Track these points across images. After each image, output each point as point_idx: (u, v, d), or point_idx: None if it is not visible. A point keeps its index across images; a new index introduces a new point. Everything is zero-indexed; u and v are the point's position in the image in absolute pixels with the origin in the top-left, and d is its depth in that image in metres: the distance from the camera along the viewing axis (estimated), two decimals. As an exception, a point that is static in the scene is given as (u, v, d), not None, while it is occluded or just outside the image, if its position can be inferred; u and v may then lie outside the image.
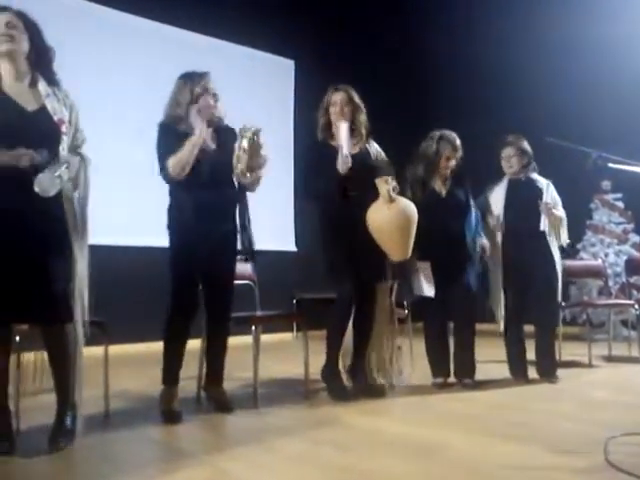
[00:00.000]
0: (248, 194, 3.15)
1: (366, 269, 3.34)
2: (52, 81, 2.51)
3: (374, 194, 3.28)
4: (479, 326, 3.70)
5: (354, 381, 3.45)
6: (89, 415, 2.76)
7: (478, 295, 3.72)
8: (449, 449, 2.37)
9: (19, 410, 2.62)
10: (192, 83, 2.99)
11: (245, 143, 2.88)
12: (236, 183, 3.08)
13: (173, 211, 3.02)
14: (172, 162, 2.89)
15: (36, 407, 2.85)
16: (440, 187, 3.72)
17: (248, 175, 2.93)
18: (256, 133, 2.90)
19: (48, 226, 2.39)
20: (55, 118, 2.43)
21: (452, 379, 3.67)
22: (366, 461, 2.24)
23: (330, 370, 3.38)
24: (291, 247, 7.10)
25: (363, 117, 3.48)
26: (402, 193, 3.40)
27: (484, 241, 3.71)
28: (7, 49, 2.36)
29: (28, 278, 2.31)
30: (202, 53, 5.94)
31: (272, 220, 6.55)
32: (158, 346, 3.02)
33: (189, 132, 2.92)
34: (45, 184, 2.27)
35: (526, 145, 3.86)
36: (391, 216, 3.23)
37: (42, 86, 2.46)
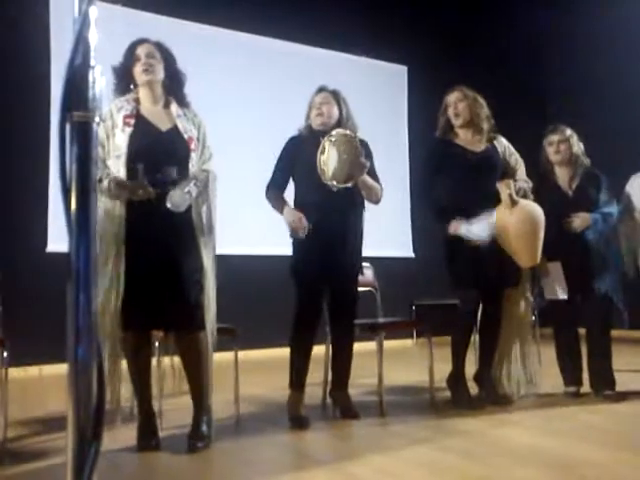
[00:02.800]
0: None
1: (493, 274, 3.23)
2: (183, 103, 2.72)
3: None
4: (613, 332, 3.46)
5: (481, 389, 3.35)
6: (221, 419, 2.91)
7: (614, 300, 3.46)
8: (590, 466, 2.22)
9: (161, 411, 2.80)
10: (313, 97, 3.15)
11: (329, 147, 2.87)
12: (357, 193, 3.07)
13: None
14: (272, 201, 3.09)
15: (174, 408, 3.02)
16: (566, 185, 3.54)
17: (344, 183, 2.89)
18: (346, 138, 2.89)
19: (181, 239, 2.55)
20: (185, 136, 2.61)
21: (586, 389, 3.45)
22: (498, 473, 2.16)
23: (456, 378, 3.30)
24: (408, 253, 7.04)
25: (483, 112, 3.39)
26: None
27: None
28: (147, 79, 2.59)
29: (164, 288, 2.47)
30: (314, 65, 6.07)
31: (389, 227, 6.54)
32: (285, 351, 3.11)
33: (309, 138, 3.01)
34: (177, 200, 2.42)
35: None
36: (515, 221, 3.08)
37: (174, 107, 2.66)
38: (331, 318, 3.15)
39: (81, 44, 0.67)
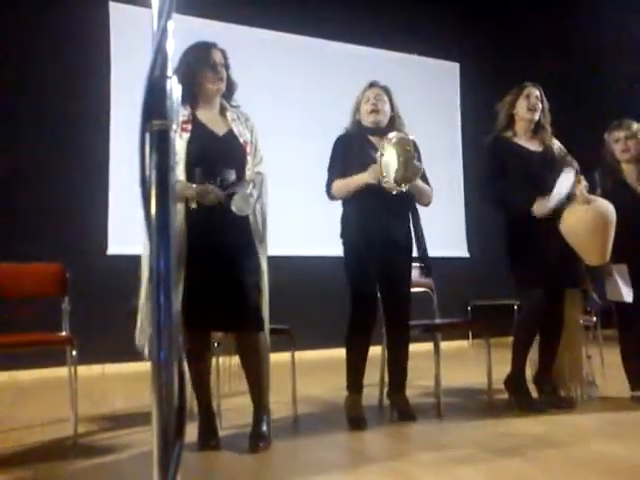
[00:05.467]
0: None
1: (557, 274, 3.16)
2: (235, 107, 2.75)
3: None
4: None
5: (541, 392, 3.27)
6: (279, 419, 2.94)
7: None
8: (660, 471, 2.15)
9: (220, 410, 2.85)
10: (360, 94, 3.13)
11: (387, 151, 2.84)
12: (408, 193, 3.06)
13: (345, 220, 3.09)
14: (338, 186, 3.00)
15: (233, 408, 3.08)
16: (635, 182, 3.42)
17: (403, 186, 2.87)
18: (404, 142, 2.86)
19: (239, 241, 2.59)
20: (241, 140, 2.65)
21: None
22: (559, 478, 2.11)
23: (516, 380, 3.23)
24: (463, 253, 6.95)
25: (549, 114, 3.37)
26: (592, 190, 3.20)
27: None
28: (218, 88, 2.64)
29: (224, 289, 2.51)
30: (364, 64, 6.06)
31: (443, 227, 6.47)
32: (340, 352, 3.12)
33: (359, 135, 2.98)
34: (241, 204, 2.46)
35: None
36: (588, 218, 3.02)
37: (229, 112, 2.70)
38: (386, 320, 3.13)
39: (160, 56, 0.70)
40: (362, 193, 2.97)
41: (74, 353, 2.80)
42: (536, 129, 3.34)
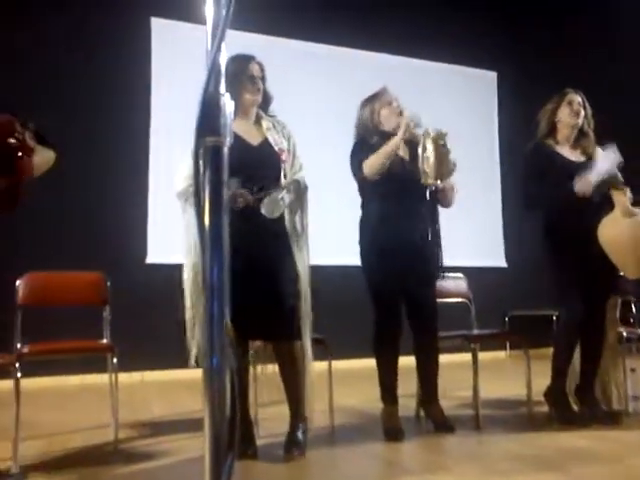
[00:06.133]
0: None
1: (597, 285, 3.10)
2: (271, 117, 2.79)
3: (606, 204, 3.06)
4: None
5: (583, 405, 3.19)
6: (316, 428, 2.93)
7: None
8: None
9: (258, 419, 2.87)
10: (371, 103, 3.09)
11: (428, 144, 2.83)
12: (428, 195, 3.02)
13: (364, 225, 3.04)
14: (369, 163, 2.91)
15: (270, 417, 3.09)
16: None
17: (438, 182, 2.86)
18: (440, 136, 2.83)
19: (276, 250, 2.61)
20: (276, 148, 2.68)
21: None
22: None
23: (557, 392, 3.16)
24: (501, 263, 6.86)
25: (592, 119, 3.31)
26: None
27: None
28: (255, 99, 2.68)
29: (262, 298, 2.53)
30: (401, 74, 6.06)
31: (481, 236, 6.42)
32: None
33: (382, 143, 2.95)
34: (270, 207, 2.50)
35: None
36: (629, 231, 2.97)
37: (264, 121, 2.74)
38: (412, 328, 3.07)
39: (214, 73, 0.73)
40: (382, 195, 2.93)
41: (115, 361, 2.86)
42: (578, 137, 3.29)
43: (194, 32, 5.48)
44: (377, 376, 3.02)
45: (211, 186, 0.75)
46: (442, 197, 3.05)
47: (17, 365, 2.60)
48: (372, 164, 2.91)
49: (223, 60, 0.75)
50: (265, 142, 2.68)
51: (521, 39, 6.87)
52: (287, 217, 2.66)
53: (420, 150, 2.83)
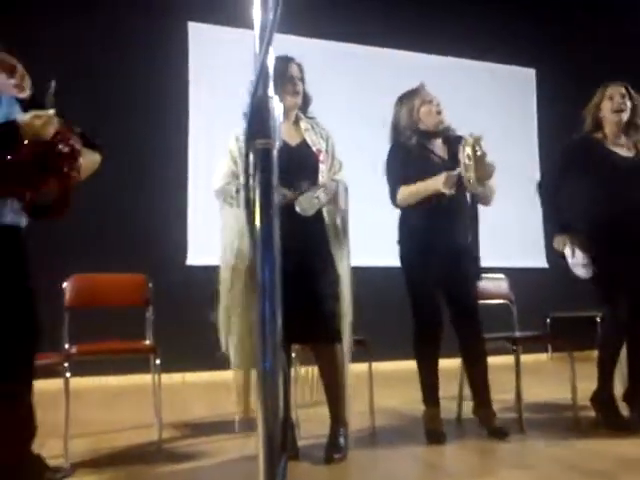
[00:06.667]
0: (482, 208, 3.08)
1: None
2: (310, 118, 2.80)
3: None
4: None
5: (632, 410, 3.10)
6: (357, 430, 2.93)
7: None
8: None
9: (298, 421, 2.88)
10: (410, 100, 3.02)
11: (469, 151, 2.79)
12: (468, 197, 3.00)
13: (404, 226, 3.01)
14: (404, 193, 2.90)
15: (310, 418, 3.09)
16: None
17: (479, 187, 2.83)
18: (477, 142, 2.79)
19: (316, 251, 2.61)
20: (314, 149, 2.69)
21: None
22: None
23: (604, 396, 3.07)
24: (542, 264, 6.73)
25: None
26: None
27: None
28: (296, 102, 2.69)
29: (302, 301, 2.52)
30: (438, 73, 5.99)
31: (521, 236, 6.31)
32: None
33: (420, 143, 2.94)
34: (304, 204, 2.51)
35: None
36: None
37: (303, 122, 2.75)
38: (456, 331, 3.01)
39: (262, 76, 0.73)
40: (426, 201, 2.89)
41: (158, 362, 2.90)
42: (628, 130, 3.17)
43: (231, 35, 5.57)
44: (418, 378, 2.98)
45: (261, 188, 0.75)
46: (482, 197, 3.01)
47: (66, 365, 2.67)
48: (406, 198, 2.92)
49: (271, 63, 0.75)
50: (303, 143, 2.69)
51: (560, 33, 6.73)
52: (327, 217, 2.66)
53: (460, 157, 2.80)
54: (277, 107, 0.77)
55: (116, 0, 5.44)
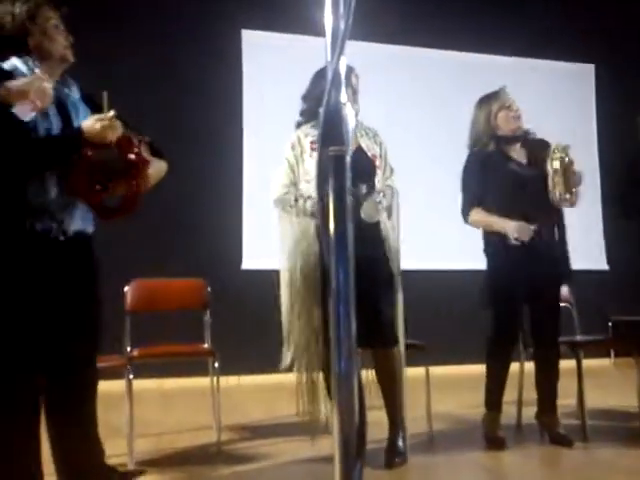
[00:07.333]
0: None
1: None
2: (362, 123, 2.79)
3: None
4: None
5: None
6: (415, 434, 2.91)
7: None
8: None
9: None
10: (488, 104, 2.97)
11: (557, 164, 2.75)
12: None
13: (492, 236, 2.94)
14: (475, 218, 2.90)
15: (370, 422, 3.08)
16: None
17: (568, 196, 2.78)
18: (565, 151, 2.77)
19: (373, 255, 2.60)
20: (369, 154, 2.70)
21: None
22: None
23: (673, 404, 2.97)
24: (602, 266, 6.53)
25: None
26: None
27: None
28: (356, 110, 2.68)
29: (360, 305, 2.52)
30: (493, 73, 5.89)
31: (581, 238, 6.10)
32: (475, 369, 3.03)
33: (499, 150, 2.90)
34: (370, 211, 2.49)
35: None
36: None
37: (357, 129, 2.74)
38: (533, 334, 2.97)
39: (335, 84, 0.74)
40: (510, 205, 2.84)
41: (216, 365, 2.96)
42: None
43: (285, 42, 5.62)
44: (485, 381, 2.93)
45: (335, 193, 0.76)
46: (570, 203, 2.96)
47: (128, 367, 2.75)
48: (477, 223, 2.94)
49: (342, 70, 0.76)
50: (359, 149, 2.69)
51: (619, 26, 6.51)
52: (383, 224, 2.66)
53: (548, 167, 2.78)
54: (349, 114, 0.78)
55: (168, 9, 5.56)
